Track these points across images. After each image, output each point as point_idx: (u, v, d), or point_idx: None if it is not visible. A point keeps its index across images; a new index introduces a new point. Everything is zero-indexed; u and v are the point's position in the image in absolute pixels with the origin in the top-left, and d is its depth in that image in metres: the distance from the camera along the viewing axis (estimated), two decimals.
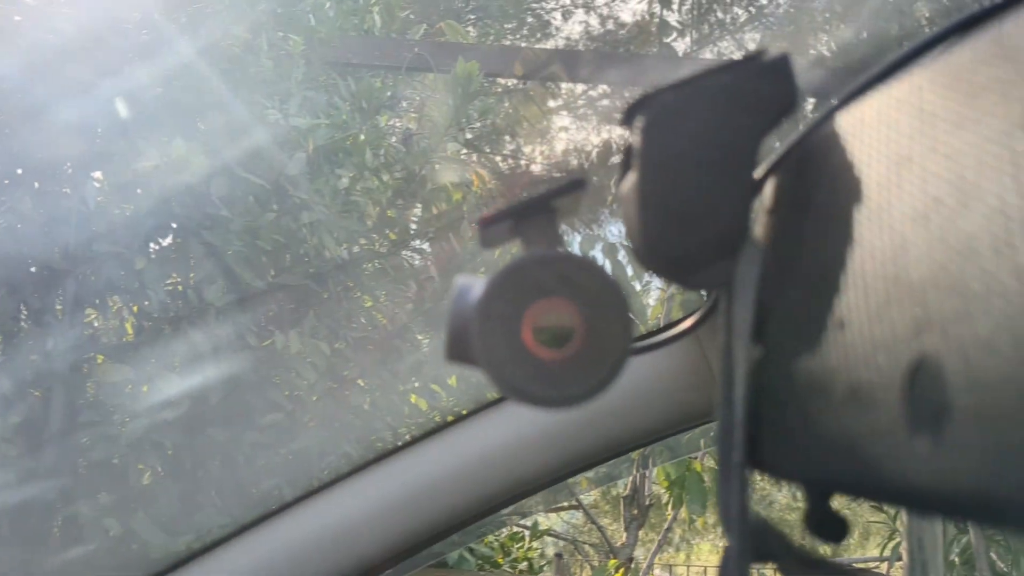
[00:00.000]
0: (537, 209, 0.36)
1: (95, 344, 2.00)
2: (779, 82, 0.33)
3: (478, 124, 2.95)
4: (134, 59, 2.01)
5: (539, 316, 0.34)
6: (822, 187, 0.29)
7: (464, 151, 2.77)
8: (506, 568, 2.67)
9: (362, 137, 2.25)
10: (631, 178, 0.35)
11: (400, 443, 0.94)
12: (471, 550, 2.38)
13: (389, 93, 2.41)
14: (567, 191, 0.36)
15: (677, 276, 0.35)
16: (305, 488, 0.98)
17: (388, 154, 2.41)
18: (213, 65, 2.07)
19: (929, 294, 0.21)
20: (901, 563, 1.89)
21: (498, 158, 4.06)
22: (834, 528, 0.32)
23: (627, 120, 0.35)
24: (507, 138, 4.08)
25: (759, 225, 0.36)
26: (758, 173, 0.36)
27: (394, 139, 2.60)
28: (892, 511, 2.40)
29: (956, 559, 2.43)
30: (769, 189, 0.36)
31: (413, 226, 2.62)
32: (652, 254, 0.35)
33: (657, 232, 0.35)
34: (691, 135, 0.34)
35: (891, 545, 2.53)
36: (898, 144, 0.24)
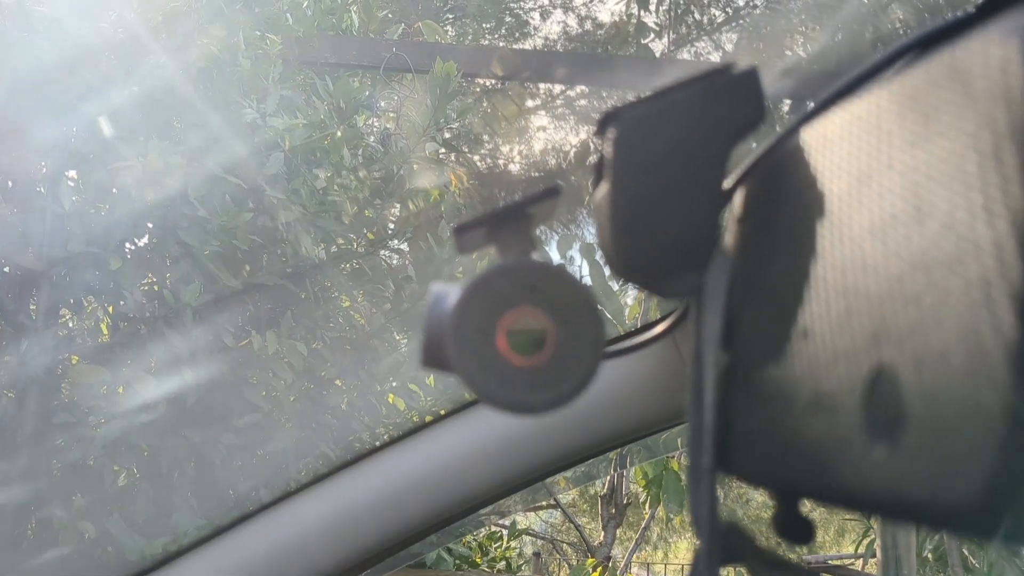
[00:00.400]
0: (512, 216, 0.36)
1: (70, 345, 1.98)
2: (747, 96, 0.34)
3: (456, 124, 2.95)
4: (109, 58, 2.00)
5: (512, 324, 0.34)
6: (787, 200, 0.30)
7: (442, 151, 2.77)
8: (484, 568, 2.67)
9: (340, 136, 2.25)
10: (603, 188, 0.36)
11: (378, 443, 0.94)
12: (449, 550, 2.38)
13: (367, 93, 2.40)
14: (542, 199, 0.37)
15: (648, 284, 0.36)
16: (282, 489, 0.98)
17: (366, 154, 2.40)
18: (190, 64, 2.06)
19: (886, 307, 0.21)
20: (875, 560, 1.91)
21: (476, 158, 4.06)
22: (800, 531, 0.32)
23: (600, 132, 0.36)
24: (485, 138, 4.08)
25: (728, 234, 0.37)
26: (727, 184, 0.36)
27: (372, 139, 2.60)
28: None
29: (929, 555, 2.46)
30: (738, 199, 0.37)
31: (391, 226, 2.61)
32: (623, 263, 0.36)
33: (628, 242, 0.35)
34: (661, 147, 0.35)
35: (865, 542, 2.56)
36: (858, 160, 0.24)
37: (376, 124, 3.05)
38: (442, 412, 0.97)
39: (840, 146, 0.26)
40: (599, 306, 0.35)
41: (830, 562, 3.33)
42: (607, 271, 2.72)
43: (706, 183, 0.34)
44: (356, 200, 2.34)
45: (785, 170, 0.31)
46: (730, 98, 0.33)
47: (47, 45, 1.91)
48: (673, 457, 3.11)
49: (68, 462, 1.87)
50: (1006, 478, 0.16)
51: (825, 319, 0.25)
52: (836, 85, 0.28)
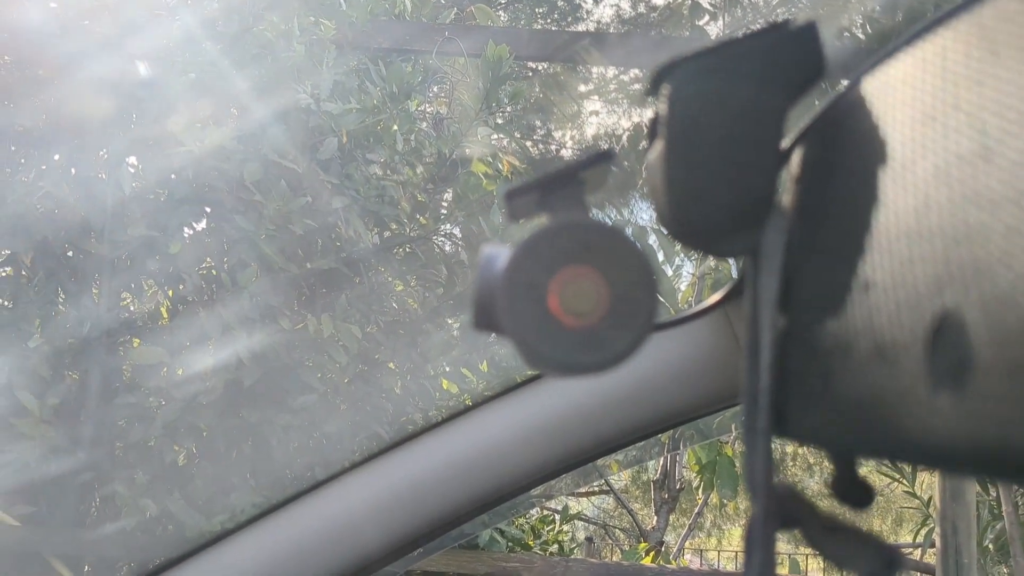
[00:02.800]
0: (564, 181, 0.36)
1: (131, 328, 2.03)
2: (806, 50, 0.33)
3: (508, 108, 2.94)
4: (168, 46, 2.03)
5: (565, 283, 0.34)
6: (847, 152, 0.29)
7: (495, 136, 2.77)
8: (536, 551, 2.68)
9: (394, 126, 2.26)
10: (658, 146, 0.35)
11: (429, 424, 0.95)
12: (501, 532, 2.39)
13: (420, 78, 2.41)
14: (594, 163, 0.36)
15: (703, 244, 0.35)
16: (331, 470, 1.00)
17: (419, 139, 2.41)
18: (245, 51, 2.08)
19: (951, 250, 0.21)
20: (934, 549, 1.87)
21: (528, 143, 4.05)
22: (859, 494, 0.32)
23: (654, 88, 0.35)
24: (538, 123, 4.07)
25: (786, 194, 0.37)
26: (786, 142, 0.36)
27: (425, 124, 2.61)
28: (926, 497, 2.38)
29: (990, 545, 2.40)
30: (796, 158, 0.36)
31: (443, 210, 2.62)
32: (678, 222, 0.35)
33: (683, 200, 0.35)
34: (717, 102, 0.34)
35: (924, 531, 2.51)
36: (922, 103, 0.24)
37: (429, 109, 3.06)
38: (491, 394, 0.97)
39: (903, 91, 0.25)
40: (654, 270, 0.34)
41: None
42: (660, 255, 2.70)
43: (764, 140, 0.34)
44: (409, 185, 2.35)
45: (845, 122, 0.30)
46: (789, 53, 0.33)
47: (103, 35, 1.95)
48: (727, 442, 3.08)
49: (130, 441, 1.92)
50: None
51: (887, 268, 0.25)
52: (901, 36, 0.27)
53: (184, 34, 2.05)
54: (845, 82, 0.32)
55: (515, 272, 0.33)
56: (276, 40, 2.11)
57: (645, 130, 0.36)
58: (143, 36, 2.00)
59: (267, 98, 2.07)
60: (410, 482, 0.98)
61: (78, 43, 1.97)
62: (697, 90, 0.34)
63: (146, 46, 2.02)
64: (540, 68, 3.58)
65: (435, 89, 3.10)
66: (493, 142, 2.71)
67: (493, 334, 0.35)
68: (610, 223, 0.34)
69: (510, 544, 2.48)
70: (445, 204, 2.67)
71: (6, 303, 1.95)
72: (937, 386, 0.21)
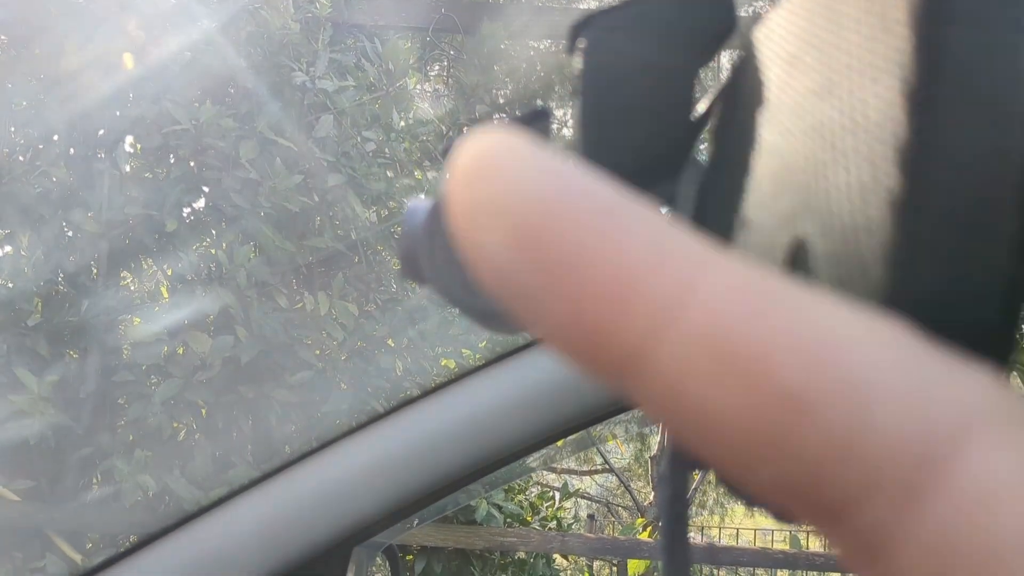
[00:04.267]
0: None
1: (129, 306, 2.04)
2: (715, 5, 0.34)
3: (506, 85, 2.94)
4: (164, 25, 2.04)
5: None
6: (741, 100, 0.31)
7: (493, 113, 2.77)
8: (535, 527, 2.70)
9: (389, 99, 2.26)
10: (576, 102, 0.36)
11: (422, 392, 0.96)
12: (499, 508, 2.41)
13: (416, 55, 2.41)
14: (531, 121, 0.37)
15: None
16: (330, 437, 1.00)
17: (416, 116, 2.42)
18: (240, 28, 2.08)
19: (804, 181, 0.21)
20: None
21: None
22: None
23: (571, 44, 0.36)
24: (536, 100, 4.07)
25: (705, 146, 0.38)
26: (708, 96, 0.36)
27: (421, 101, 2.61)
28: None
29: None
30: (715, 109, 0.37)
31: (442, 188, 2.63)
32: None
33: (598, 152, 0.35)
34: (631, 57, 0.35)
35: None
36: (790, 45, 0.24)
37: (426, 86, 3.06)
38: (480, 363, 0.98)
39: (778, 35, 0.26)
40: None
41: None
42: None
43: (674, 95, 0.34)
44: (406, 163, 2.36)
45: (741, 72, 0.32)
46: (699, 8, 0.34)
47: (99, 12, 1.95)
48: None
49: (129, 418, 1.94)
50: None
51: (759, 205, 0.25)
52: None
53: (180, 11, 2.05)
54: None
55: (434, 223, 0.34)
56: (271, 17, 2.11)
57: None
58: (139, 15, 2.00)
59: (263, 76, 2.07)
60: (403, 449, 0.99)
61: (74, 22, 1.97)
62: (608, 46, 0.35)
63: (142, 25, 2.02)
64: (538, 45, 3.57)
65: (434, 67, 3.10)
66: (491, 119, 2.71)
67: (418, 282, 0.36)
68: None
69: (508, 520, 2.50)
70: (443, 181, 2.67)
71: (6, 282, 1.97)
72: None
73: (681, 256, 0.14)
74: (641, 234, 0.14)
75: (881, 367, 0.12)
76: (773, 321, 0.13)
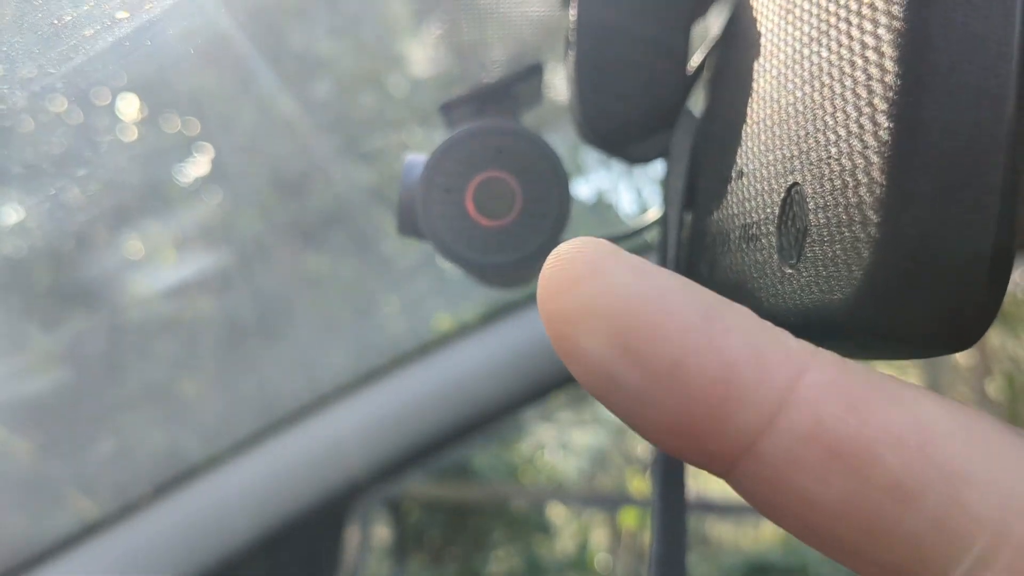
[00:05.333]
0: (498, 94, 0.37)
1: (134, 266, 2.07)
2: None
3: (502, 43, 2.92)
4: None
5: (480, 186, 0.35)
6: (735, 51, 0.30)
7: (488, 70, 2.75)
8: (528, 479, 2.74)
9: (388, 61, 2.26)
10: (570, 55, 0.36)
11: (413, 351, 0.99)
12: (494, 461, 2.45)
13: (412, 15, 2.40)
14: (525, 77, 0.37)
15: (615, 150, 0.36)
16: (327, 394, 1.04)
17: (412, 76, 2.42)
18: None
19: (798, 128, 0.21)
20: None
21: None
22: None
23: None
24: (531, 55, 4.01)
25: (699, 96, 0.37)
26: (702, 48, 0.36)
27: (417, 61, 2.60)
28: None
29: None
30: (709, 61, 0.36)
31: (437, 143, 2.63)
32: (590, 125, 0.36)
33: (593, 103, 0.36)
34: (622, 8, 0.34)
35: None
36: None
37: (423, 47, 3.04)
38: (471, 323, 1.01)
39: None
40: (565, 170, 0.36)
41: None
42: None
43: (668, 46, 0.34)
44: (403, 122, 2.36)
45: (736, 22, 0.31)
46: None
47: None
48: None
49: (136, 376, 1.98)
50: (881, 270, 0.17)
51: (754, 154, 0.25)
52: None
53: None
54: None
55: (432, 176, 0.35)
56: None
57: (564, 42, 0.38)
58: None
59: (257, 41, 2.07)
60: (402, 404, 1.02)
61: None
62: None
63: None
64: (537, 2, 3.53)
65: (430, 27, 3.07)
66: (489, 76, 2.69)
67: (416, 237, 0.37)
68: (521, 127, 0.35)
69: (502, 472, 2.54)
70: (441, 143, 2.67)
71: (13, 243, 1.99)
72: (783, 258, 0.22)
73: (780, 353, 0.14)
74: (740, 333, 0.14)
75: (975, 457, 0.12)
76: (874, 416, 0.13)
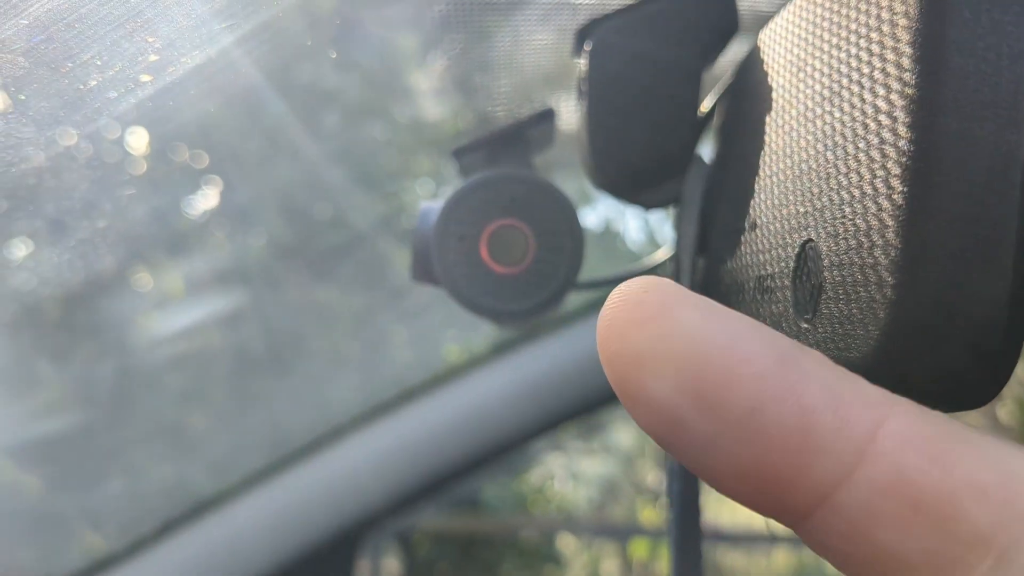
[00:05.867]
0: (510, 139, 0.37)
1: (144, 303, 2.08)
2: (719, 7, 0.34)
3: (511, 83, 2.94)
4: (168, 22, 2.06)
5: (494, 234, 0.36)
6: (747, 102, 0.30)
7: (498, 110, 2.77)
8: (539, 510, 2.72)
9: (395, 98, 2.28)
10: (582, 105, 0.37)
11: (424, 384, 0.99)
12: (504, 492, 2.44)
13: (421, 51, 2.42)
14: (538, 122, 0.38)
15: (627, 195, 0.37)
16: (336, 429, 1.04)
17: (420, 111, 2.43)
18: (246, 24, 2.10)
19: (812, 185, 0.22)
20: None
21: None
22: None
23: (577, 46, 0.37)
24: (542, 98, 4.04)
25: (710, 143, 0.37)
26: (711, 97, 0.37)
27: (426, 96, 2.62)
28: None
29: None
30: (719, 110, 0.37)
31: (448, 181, 2.64)
32: (601, 173, 0.36)
33: (605, 152, 0.36)
34: (633, 60, 0.35)
35: None
36: (796, 50, 0.25)
37: (431, 82, 3.06)
38: (481, 356, 1.01)
39: (784, 40, 0.26)
40: (578, 218, 0.36)
41: None
42: None
43: (679, 95, 0.35)
44: (412, 155, 2.38)
45: (747, 74, 0.31)
46: (702, 10, 0.33)
47: (108, 13, 1.97)
48: None
49: (146, 410, 1.98)
50: (897, 331, 0.17)
51: (768, 207, 0.25)
52: None
53: (184, 8, 2.07)
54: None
55: (446, 223, 0.36)
56: (278, 14, 2.12)
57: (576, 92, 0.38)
58: (141, 16, 2.02)
59: (267, 72, 2.09)
60: (413, 438, 1.02)
61: (87, 20, 1.99)
62: (614, 48, 0.35)
63: (147, 25, 2.04)
64: (547, 44, 3.56)
65: (439, 63, 3.10)
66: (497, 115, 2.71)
67: (430, 284, 0.38)
68: (536, 176, 0.36)
69: (513, 503, 2.53)
70: (448, 174, 2.69)
71: (26, 281, 2.00)
72: (799, 313, 0.22)
73: (860, 401, 0.13)
74: (818, 381, 0.13)
75: None
76: (957, 466, 0.13)
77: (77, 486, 1.95)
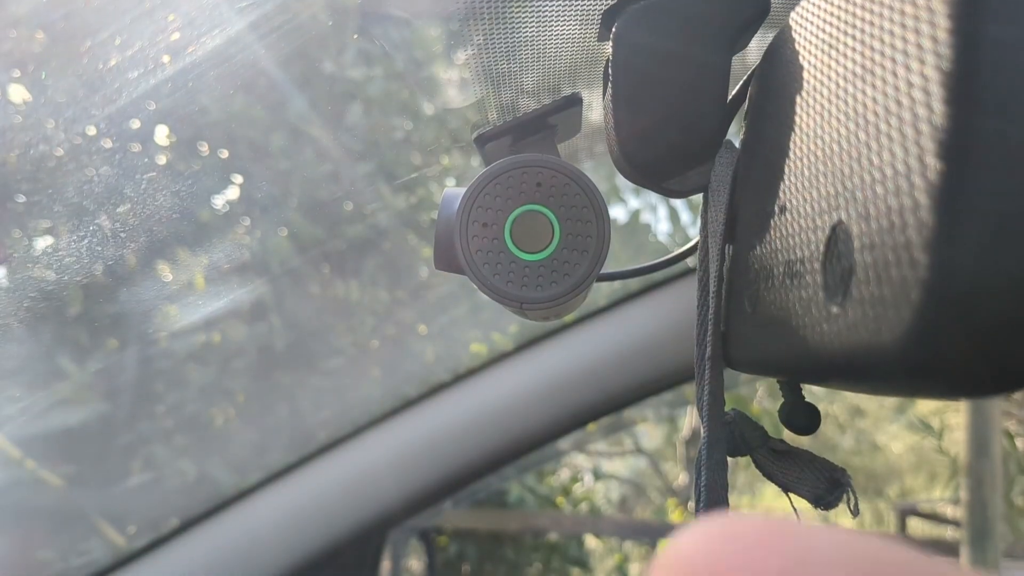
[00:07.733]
0: (535, 126, 0.37)
1: (166, 296, 2.08)
2: None
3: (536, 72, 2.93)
4: (194, 18, 2.05)
5: (518, 221, 0.35)
6: (777, 85, 0.30)
7: (523, 100, 2.76)
8: (566, 509, 2.71)
9: (417, 86, 2.27)
10: (609, 89, 0.36)
11: (446, 381, 0.96)
12: (531, 491, 2.43)
13: (444, 42, 2.41)
14: (563, 107, 0.37)
15: (654, 184, 0.36)
16: (351, 428, 1.01)
17: (444, 103, 2.42)
18: (268, 18, 2.10)
19: (843, 166, 0.21)
20: (960, 503, 1.87)
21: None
22: (804, 419, 0.33)
23: (604, 31, 0.36)
24: (566, 86, 4.04)
25: (740, 130, 0.38)
26: (740, 82, 0.36)
27: (449, 88, 2.61)
28: (951, 453, 2.37)
29: (1019, 500, 2.39)
30: (750, 95, 0.37)
31: (472, 174, 2.63)
32: (628, 160, 0.36)
33: (632, 138, 0.35)
34: (660, 46, 0.34)
35: (952, 484, 2.51)
36: (828, 30, 0.24)
37: (454, 74, 3.06)
38: (502, 352, 0.99)
39: (814, 20, 0.26)
40: (605, 204, 0.35)
41: (920, 507, 3.27)
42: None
43: (707, 81, 0.34)
44: (435, 149, 2.37)
45: (777, 56, 0.31)
46: None
47: (134, 5, 1.97)
48: (753, 400, 3.09)
49: (168, 405, 1.98)
50: (932, 311, 0.17)
51: (797, 190, 0.25)
52: None
53: (210, 3, 2.07)
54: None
55: (470, 210, 0.34)
56: (301, 8, 2.12)
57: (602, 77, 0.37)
58: (169, 7, 2.02)
59: (291, 67, 2.09)
60: (436, 434, 1.01)
61: (109, 14, 1.99)
62: (641, 33, 0.34)
63: (173, 16, 2.04)
64: (571, 32, 3.55)
65: (462, 54, 3.09)
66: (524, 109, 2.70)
67: (454, 271, 0.37)
68: (562, 161, 0.34)
69: (539, 502, 2.51)
70: (473, 168, 2.68)
71: (48, 274, 2.01)
72: (829, 297, 0.22)
73: None
74: None
75: None
76: None
77: (97, 481, 1.95)
